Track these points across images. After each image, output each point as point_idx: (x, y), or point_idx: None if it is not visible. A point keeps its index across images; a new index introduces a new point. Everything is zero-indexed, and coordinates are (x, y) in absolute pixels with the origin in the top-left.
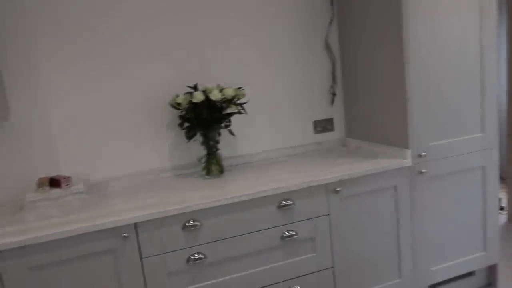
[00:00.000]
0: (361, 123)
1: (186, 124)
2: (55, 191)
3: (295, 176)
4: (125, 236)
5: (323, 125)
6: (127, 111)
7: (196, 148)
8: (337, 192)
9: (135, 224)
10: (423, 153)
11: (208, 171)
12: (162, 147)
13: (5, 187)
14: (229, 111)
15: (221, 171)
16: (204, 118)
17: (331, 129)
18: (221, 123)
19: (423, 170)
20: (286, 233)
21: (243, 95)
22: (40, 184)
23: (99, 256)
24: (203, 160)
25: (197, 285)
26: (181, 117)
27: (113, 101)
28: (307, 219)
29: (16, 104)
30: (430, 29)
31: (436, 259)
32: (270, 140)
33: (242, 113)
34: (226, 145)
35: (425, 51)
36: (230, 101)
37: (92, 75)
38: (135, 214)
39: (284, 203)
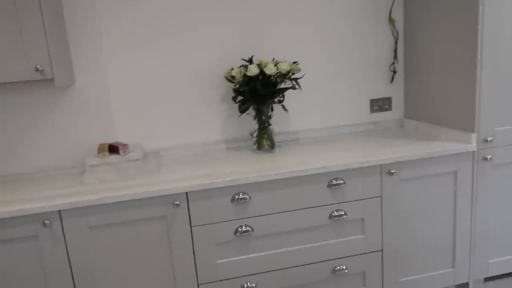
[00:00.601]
0: (422, 103)
1: (240, 98)
2: (114, 157)
3: (348, 155)
4: (176, 204)
5: (380, 104)
6: (182, 83)
7: (248, 122)
8: (391, 174)
9: (186, 193)
10: (489, 138)
11: (259, 146)
12: (215, 120)
13: (69, 151)
14: (283, 86)
15: (272, 146)
16: (258, 92)
17: (389, 109)
18: (275, 98)
19: (488, 157)
20: (335, 213)
21: (298, 70)
22: (100, 149)
23: (152, 222)
24: (255, 134)
25: (243, 257)
26: (235, 90)
27: (169, 73)
28: (358, 199)
29: (80, 72)
30: (508, 3)
31: (494, 251)
32: (323, 118)
33: (296, 89)
34: (278, 121)
35: (502, 27)
36: (284, 76)
37: (150, 48)
38: (187, 183)
39: (334, 182)
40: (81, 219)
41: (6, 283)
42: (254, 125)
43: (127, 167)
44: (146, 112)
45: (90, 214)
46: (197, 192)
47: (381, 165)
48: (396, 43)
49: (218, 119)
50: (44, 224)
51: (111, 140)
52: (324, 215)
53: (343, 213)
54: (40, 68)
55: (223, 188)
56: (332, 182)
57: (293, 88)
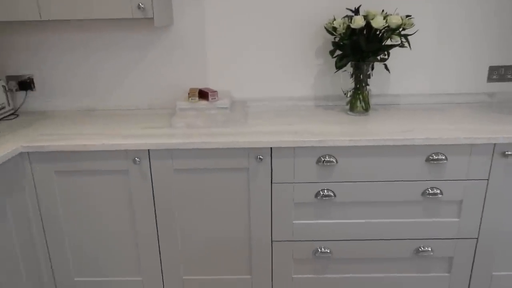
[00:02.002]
0: None
1: (338, 52)
2: (203, 103)
3: (454, 128)
4: (260, 159)
5: (502, 73)
6: (277, 32)
7: (343, 80)
8: (506, 156)
9: (271, 149)
10: None
11: (352, 107)
12: (307, 74)
13: (161, 92)
14: (388, 43)
15: (366, 108)
16: (361, 47)
17: None
18: (378, 55)
19: None
20: (429, 190)
21: (411, 25)
22: (191, 94)
23: (235, 172)
24: (349, 94)
25: (321, 221)
26: (334, 43)
27: (265, 21)
28: (459, 179)
29: (178, 15)
30: None
31: None
32: (429, 82)
33: (405, 47)
34: (376, 81)
35: None
36: (393, 31)
37: None
38: (272, 138)
39: (434, 157)
40: (168, 161)
41: (101, 211)
42: (349, 84)
43: (215, 114)
44: (238, 61)
45: (176, 157)
46: (282, 149)
47: (494, 145)
48: None
49: (311, 73)
50: (134, 161)
51: (202, 85)
52: (416, 191)
53: (438, 191)
54: (143, 6)
55: (310, 148)
56: (432, 156)
57: (401, 45)
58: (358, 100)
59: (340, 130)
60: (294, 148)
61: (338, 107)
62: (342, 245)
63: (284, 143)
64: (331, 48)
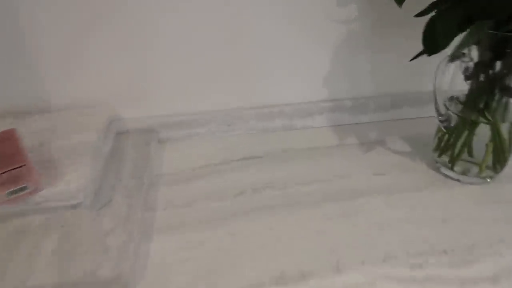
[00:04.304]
0: None
1: (445, 6)
2: None
3: None
4: None
5: None
6: None
7: (440, 79)
8: None
9: None
10: None
11: (453, 158)
12: (316, 52)
13: None
14: None
15: (498, 167)
16: None
17: None
18: None
19: None
20: None
21: None
22: None
23: None
24: (448, 123)
25: None
26: None
27: None
28: None
29: None
30: None
31: None
32: None
33: None
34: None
35: None
36: None
37: None
38: None
39: None
40: None
41: None
42: (451, 90)
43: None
44: (143, 31)
45: None
46: None
47: None
48: None
49: (321, 46)
50: None
51: (30, 96)
52: None
53: None
54: None
55: None
56: None
57: None
58: (470, 142)
59: None
60: None
61: (403, 141)
62: None
63: None
64: None
